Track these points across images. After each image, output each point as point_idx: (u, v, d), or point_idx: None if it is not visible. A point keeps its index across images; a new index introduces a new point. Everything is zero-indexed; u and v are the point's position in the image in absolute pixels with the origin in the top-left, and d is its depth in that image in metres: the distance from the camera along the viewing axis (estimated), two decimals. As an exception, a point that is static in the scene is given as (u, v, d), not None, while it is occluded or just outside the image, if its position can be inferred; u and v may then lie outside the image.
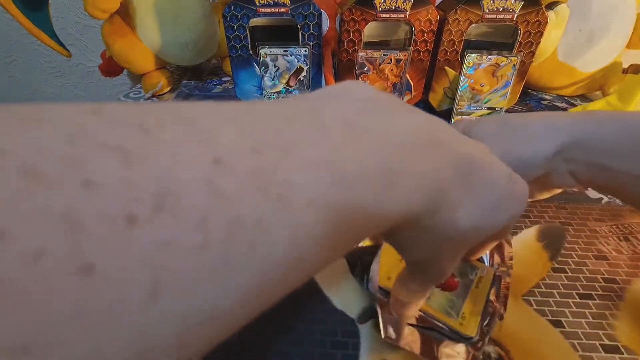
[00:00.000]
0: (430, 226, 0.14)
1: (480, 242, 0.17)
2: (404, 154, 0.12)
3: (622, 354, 0.27)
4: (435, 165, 0.13)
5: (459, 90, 0.57)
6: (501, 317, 0.26)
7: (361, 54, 0.55)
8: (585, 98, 0.71)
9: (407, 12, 0.52)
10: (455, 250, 0.17)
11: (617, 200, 0.43)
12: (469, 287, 0.27)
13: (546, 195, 0.28)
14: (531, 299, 0.31)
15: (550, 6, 0.56)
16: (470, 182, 0.15)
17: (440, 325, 0.26)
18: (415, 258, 0.17)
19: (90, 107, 0.08)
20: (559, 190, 0.27)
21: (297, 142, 0.10)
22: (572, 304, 0.31)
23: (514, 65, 0.54)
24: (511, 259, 0.30)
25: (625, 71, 0.65)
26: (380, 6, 0.51)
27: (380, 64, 0.56)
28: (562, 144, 0.23)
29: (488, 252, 0.30)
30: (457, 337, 0.25)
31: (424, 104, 0.64)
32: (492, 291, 0.28)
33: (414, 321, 0.26)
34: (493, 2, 0.51)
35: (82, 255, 0.06)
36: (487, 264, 0.30)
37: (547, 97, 0.71)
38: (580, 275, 0.33)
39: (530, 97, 0.70)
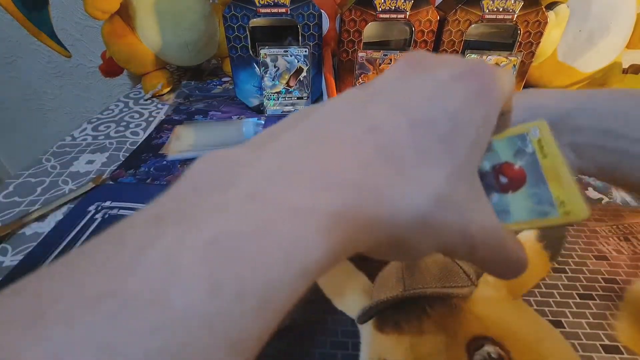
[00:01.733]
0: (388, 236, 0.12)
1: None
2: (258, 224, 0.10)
3: (622, 354, 0.27)
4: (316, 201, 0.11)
5: (459, 90, 0.56)
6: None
7: (361, 54, 0.55)
8: (585, 98, 0.71)
9: (407, 13, 0.52)
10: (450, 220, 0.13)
11: (617, 200, 0.43)
12: (538, 164, 0.18)
13: None
14: (531, 299, 0.31)
15: (550, 6, 0.56)
16: (394, 157, 0.12)
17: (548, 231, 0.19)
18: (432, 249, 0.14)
19: None
20: None
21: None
22: (572, 304, 0.31)
23: (514, 65, 0.54)
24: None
25: (625, 71, 0.65)
26: (380, 6, 0.51)
27: (380, 64, 0.56)
28: (568, 110, 0.21)
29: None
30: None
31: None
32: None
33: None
34: (493, 3, 0.51)
35: None
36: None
37: (547, 97, 0.71)
38: (581, 276, 0.33)
39: (530, 97, 0.70)
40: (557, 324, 0.29)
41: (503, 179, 0.18)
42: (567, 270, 0.34)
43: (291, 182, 0.11)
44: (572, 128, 0.20)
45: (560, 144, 0.19)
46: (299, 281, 0.10)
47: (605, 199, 0.44)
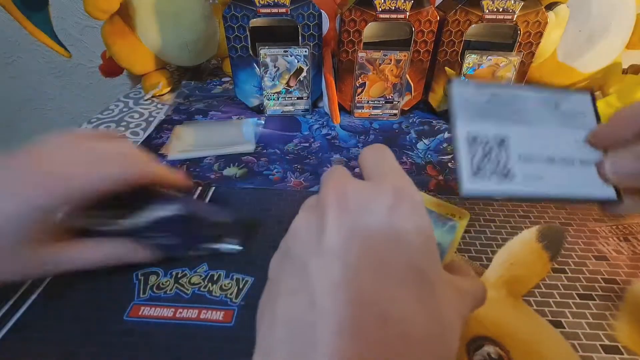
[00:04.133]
0: None
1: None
2: None
3: (622, 354, 0.27)
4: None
5: (459, 90, 0.56)
6: None
7: (361, 54, 0.55)
8: (585, 98, 0.71)
9: (407, 13, 0.52)
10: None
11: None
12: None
13: None
14: (531, 299, 0.31)
15: (550, 6, 0.56)
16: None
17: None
18: None
19: None
20: None
21: None
22: (572, 304, 0.31)
23: (514, 65, 0.54)
24: None
25: (625, 71, 0.65)
26: (380, 6, 0.51)
27: (380, 65, 0.56)
28: None
29: None
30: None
31: (424, 104, 0.64)
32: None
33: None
34: (493, 3, 0.51)
35: None
36: None
37: (547, 97, 0.71)
38: (580, 276, 0.33)
39: (530, 98, 0.70)
40: (557, 324, 0.29)
41: None
42: (567, 270, 0.34)
43: None
44: None
45: None
46: None
47: (605, 199, 0.43)
